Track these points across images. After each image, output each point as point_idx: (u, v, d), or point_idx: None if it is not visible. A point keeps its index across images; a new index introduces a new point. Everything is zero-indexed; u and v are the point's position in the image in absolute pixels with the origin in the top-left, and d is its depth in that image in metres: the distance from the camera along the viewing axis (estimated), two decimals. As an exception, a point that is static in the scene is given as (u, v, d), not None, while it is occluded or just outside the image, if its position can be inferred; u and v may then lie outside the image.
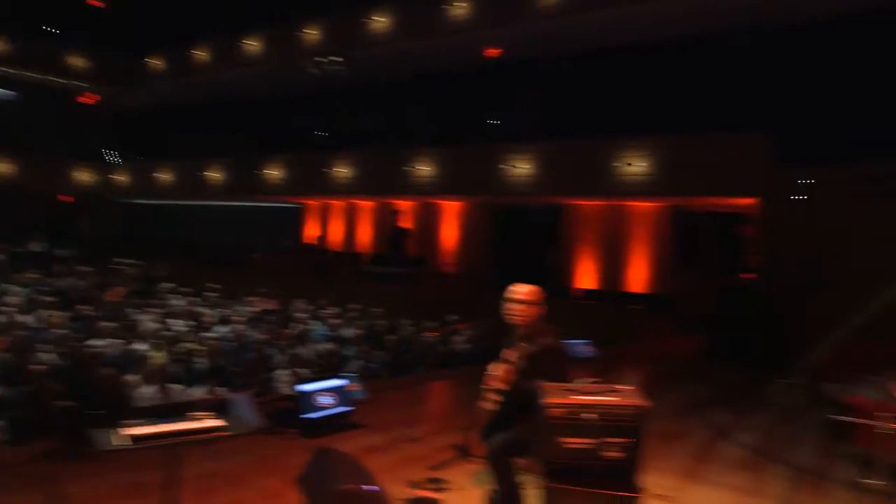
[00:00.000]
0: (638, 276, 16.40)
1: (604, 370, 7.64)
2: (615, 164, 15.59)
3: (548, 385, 3.15)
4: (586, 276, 17.16)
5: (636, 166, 15.36)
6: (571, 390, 3.09)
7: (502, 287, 3.95)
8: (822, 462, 6.17)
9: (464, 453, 5.10)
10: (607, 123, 15.80)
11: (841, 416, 3.49)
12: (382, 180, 20.17)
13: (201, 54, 24.82)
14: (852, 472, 4.91)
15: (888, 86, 12.04)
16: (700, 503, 5.08)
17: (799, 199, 12.47)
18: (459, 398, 8.43)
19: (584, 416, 2.90)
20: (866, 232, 11.54)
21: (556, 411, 2.92)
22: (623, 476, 2.93)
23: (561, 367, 3.67)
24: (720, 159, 13.72)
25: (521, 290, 3.81)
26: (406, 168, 19.55)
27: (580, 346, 8.51)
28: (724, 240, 15.18)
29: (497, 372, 3.78)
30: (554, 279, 16.33)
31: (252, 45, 22.93)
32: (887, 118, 11.77)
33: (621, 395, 3.01)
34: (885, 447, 2.81)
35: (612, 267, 16.76)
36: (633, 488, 2.91)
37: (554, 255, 17.39)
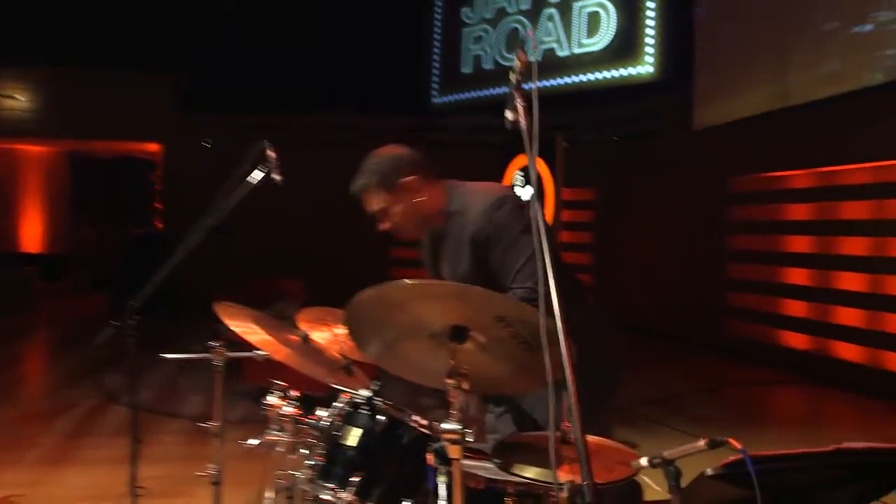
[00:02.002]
0: (31, 233, 14.09)
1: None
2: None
3: None
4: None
5: (21, 101, 12.85)
6: None
7: None
8: (216, 405, 5.83)
9: None
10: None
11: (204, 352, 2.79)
12: None
13: None
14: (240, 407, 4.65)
15: (296, 39, 12.39)
16: (59, 494, 4.04)
17: (202, 144, 12.21)
18: None
19: None
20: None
21: None
22: None
23: None
24: (122, 100, 12.43)
25: None
26: None
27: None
28: (132, 188, 14.07)
29: None
30: None
31: None
32: (291, 71, 12.13)
33: None
34: (253, 374, 2.37)
35: (-1, 224, 13.96)
36: None
37: None
